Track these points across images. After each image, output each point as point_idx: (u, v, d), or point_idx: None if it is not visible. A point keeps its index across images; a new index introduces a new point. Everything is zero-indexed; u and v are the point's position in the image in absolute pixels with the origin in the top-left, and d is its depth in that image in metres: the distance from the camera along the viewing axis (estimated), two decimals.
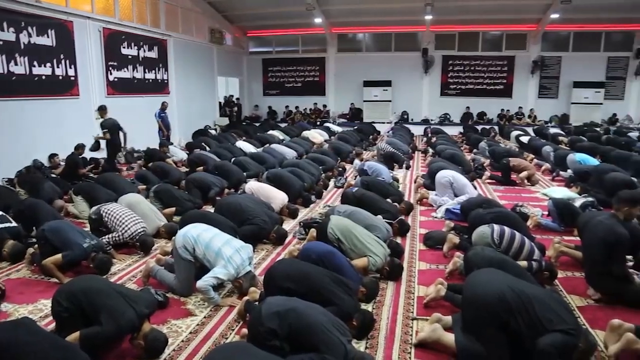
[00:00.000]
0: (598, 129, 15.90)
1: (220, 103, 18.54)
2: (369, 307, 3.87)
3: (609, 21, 17.26)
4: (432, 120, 18.89)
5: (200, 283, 3.83)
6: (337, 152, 11.12)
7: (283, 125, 17.46)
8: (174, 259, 4.17)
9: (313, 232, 4.92)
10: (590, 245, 4.11)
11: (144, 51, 12.92)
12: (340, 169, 9.65)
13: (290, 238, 5.62)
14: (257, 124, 18.21)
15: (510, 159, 9.16)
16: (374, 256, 4.36)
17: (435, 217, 6.51)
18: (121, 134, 9.45)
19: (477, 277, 3.28)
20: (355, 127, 16.06)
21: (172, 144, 12.16)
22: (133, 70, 12.49)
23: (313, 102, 20.00)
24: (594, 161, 9.13)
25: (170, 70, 14.14)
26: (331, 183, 8.69)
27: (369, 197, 6.16)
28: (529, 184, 8.73)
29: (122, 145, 9.66)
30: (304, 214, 6.74)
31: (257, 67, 20.80)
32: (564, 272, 4.63)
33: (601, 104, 18.11)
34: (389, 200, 6.52)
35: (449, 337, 3.16)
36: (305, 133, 13.94)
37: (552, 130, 15.12)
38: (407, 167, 10.34)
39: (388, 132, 15.96)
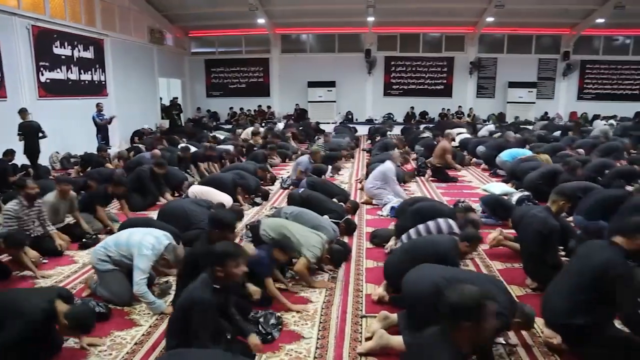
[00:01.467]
0: (530, 127, 16.72)
1: (163, 105, 17.97)
2: (318, 307, 3.87)
3: (538, 25, 18.34)
4: (376, 120, 19.21)
5: (135, 288, 3.70)
6: (283, 153, 11.07)
7: (227, 127, 17.18)
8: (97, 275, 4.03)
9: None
10: (526, 237, 4.34)
11: (79, 51, 12.32)
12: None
13: (238, 240, 5.53)
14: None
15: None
16: (310, 249, 4.28)
17: (382, 216, 6.60)
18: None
19: (411, 275, 3.42)
20: (300, 127, 16.06)
21: (110, 147, 11.67)
22: (67, 71, 11.88)
23: (257, 103, 19.82)
24: (524, 152, 9.58)
25: (108, 71, 13.58)
26: (277, 184, 8.64)
27: (315, 197, 6.16)
28: (469, 177, 9.04)
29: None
30: (249, 216, 6.66)
31: (199, 68, 20.37)
32: (504, 264, 4.84)
33: (534, 102, 19.12)
34: (335, 200, 6.55)
35: (397, 340, 3.17)
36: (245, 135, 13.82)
37: (490, 127, 15.69)
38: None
39: (330, 132, 16.07)
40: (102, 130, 11.69)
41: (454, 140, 11.62)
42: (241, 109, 19.59)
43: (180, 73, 19.84)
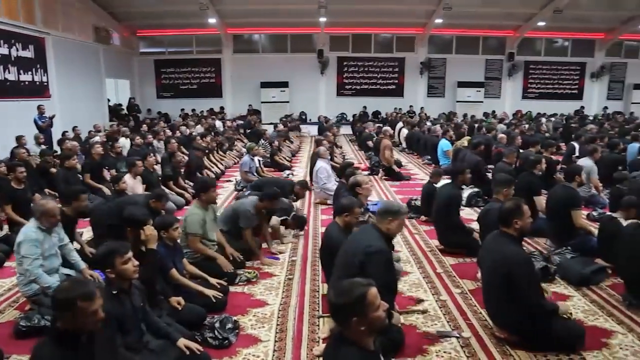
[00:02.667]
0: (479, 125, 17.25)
1: (111, 106, 17.34)
2: (274, 309, 3.83)
3: (485, 27, 19.00)
4: (329, 120, 19.27)
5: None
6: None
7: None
8: None
9: None
10: (486, 230, 4.44)
11: (17, 50, 11.65)
12: None
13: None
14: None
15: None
16: (245, 219, 4.68)
17: None
18: None
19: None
20: (249, 130, 15.90)
21: (56, 151, 11.15)
22: (4, 71, 11.23)
23: (210, 104, 19.45)
24: (447, 145, 10.10)
25: (50, 71, 12.93)
26: (231, 186, 8.52)
27: None
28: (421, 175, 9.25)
29: None
30: None
31: (149, 69, 19.78)
32: (456, 259, 4.95)
33: (482, 102, 19.76)
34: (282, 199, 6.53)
35: None
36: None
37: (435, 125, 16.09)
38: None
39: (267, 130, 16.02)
40: (45, 133, 11.14)
41: (392, 137, 11.85)
42: (193, 110, 19.16)
43: (128, 73, 19.23)
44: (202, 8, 15.31)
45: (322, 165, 7.48)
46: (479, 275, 4.37)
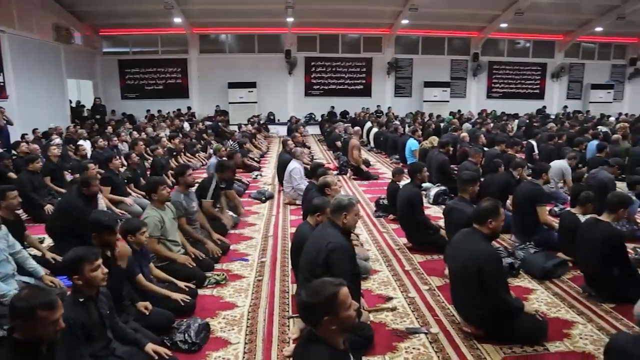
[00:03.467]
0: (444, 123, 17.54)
1: (73, 107, 16.85)
2: (244, 311, 3.81)
3: (450, 28, 19.35)
4: (290, 120, 19.23)
5: None
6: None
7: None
8: None
9: None
10: (450, 227, 4.59)
11: None
12: None
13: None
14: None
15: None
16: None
17: None
18: None
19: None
20: (211, 129, 15.77)
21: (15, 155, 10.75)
22: None
23: (176, 105, 19.14)
24: (414, 143, 10.25)
25: (7, 71, 12.44)
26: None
27: None
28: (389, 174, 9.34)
29: None
30: None
31: (112, 69, 19.27)
32: (424, 257, 5.02)
33: (448, 101, 20.11)
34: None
35: None
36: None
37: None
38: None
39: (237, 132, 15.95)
40: (3, 135, 10.76)
41: (361, 137, 11.99)
42: (159, 111, 18.79)
43: (91, 74, 18.70)
44: (167, 7, 15.02)
45: (296, 166, 7.46)
46: (446, 271, 4.46)
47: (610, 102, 21.21)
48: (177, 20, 16.71)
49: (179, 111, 18.85)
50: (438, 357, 3.20)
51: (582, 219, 4.48)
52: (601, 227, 3.96)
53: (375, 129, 14.07)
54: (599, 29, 19.06)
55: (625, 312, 3.75)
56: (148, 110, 18.54)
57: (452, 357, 3.19)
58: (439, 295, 4.11)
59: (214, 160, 8.49)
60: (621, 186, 6.45)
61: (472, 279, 3.24)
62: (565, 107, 21.30)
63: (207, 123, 16.38)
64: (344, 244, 3.30)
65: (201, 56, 19.35)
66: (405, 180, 6.33)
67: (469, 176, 4.95)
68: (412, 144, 10.21)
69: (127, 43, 19.36)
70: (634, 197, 5.78)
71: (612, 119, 17.19)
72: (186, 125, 15.62)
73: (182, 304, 3.67)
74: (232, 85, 18.86)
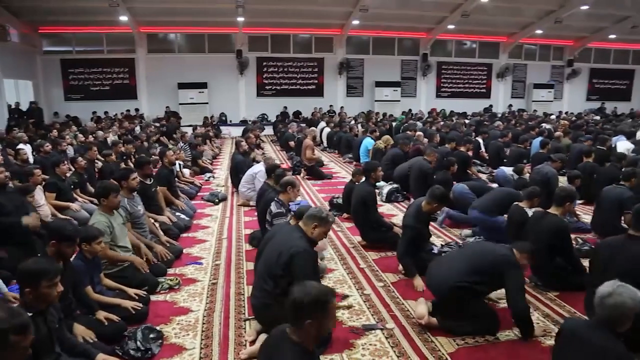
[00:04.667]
0: (394, 123, 17.87)
1: (13, 109, 15.97)
2: (199, 315, 3.73)
3: (400, 29, 19.72)
4: (250, 121, 19.11)
5: None
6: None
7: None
8: None
9: None
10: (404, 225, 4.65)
11: None
12: None
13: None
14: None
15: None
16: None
17: None
18: None
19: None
20: (164, 130, 15.41)
21: None
22: None
23: (124, 106, 18.53)
24: (370, 142, 10.33)
25: None
26: None
27: None
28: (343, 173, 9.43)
29: None
30: None
31: (54, 69, 18.37)
32: (378, 254, 5.09)
33: (399, 100, 20.50)
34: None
35: None
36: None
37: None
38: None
39: (187, 132, 15.68)
40: None
41: (315, 138, 12.06)
42: (106, 112, 18.15)
43: (31, 74, 17.75)
44: (112, 5, 14.51)
45: (262, 169, 7.36)
46: (400, 267, 4.55)
47: (551, 101, 22.37)
48: (123, 18, 16.19)
49: (128, 112, 18.29)
50: (394, 352, 3.24)
51: (530, 212, 4.66)
52: (549, 219, 4.15)
53: (328, 129, 14.16)
54: (539, 32, 20.01)
55: (568, 299, 3.98)
56: (94, 112, 17.87)
57: (407, 351, 3.25)
58: (393, 292, 4.17)
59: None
60: (562, 180, 6.78)
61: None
62: (510, 105, 22.23)
63: (156, 124, 15.94)
64: (308, 249, 3.30)
65: (149, 56, 18.81)
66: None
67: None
68: (368, 143, 10.31)
69: (70, 42, 18.54)
70: None
71: (553, 116, 18.10)
72: (137, 128, 15.17)
73: (134, 312, 3.56)
74: (182, 85, 18.48)
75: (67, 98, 18.55)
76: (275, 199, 4.75)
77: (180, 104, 18.62)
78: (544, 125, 13.74)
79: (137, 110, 18.68)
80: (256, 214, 6.65)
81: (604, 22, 19.94)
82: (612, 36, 21.12)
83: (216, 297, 4.10)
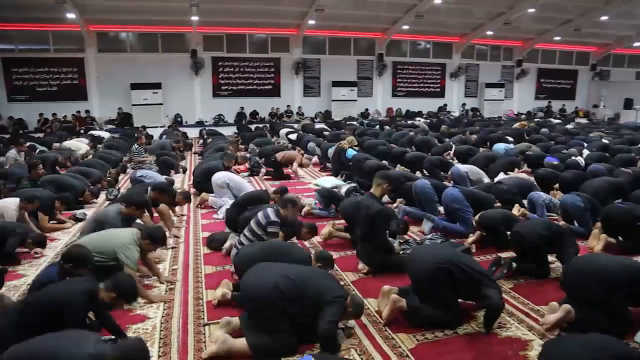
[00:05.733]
0: (354, 123, 18.05)
1: None
2: (157, 322, 3.61)
3: (356, 29, 19.90)
4: (206, 121, 18.79)
5: None
6: (107, 161, 10.10)
7: (37, 136, 15.05)
8: None
9: None
10: (359, 224, 4.66)
11: None
12: (112, 179, 8.83)
13: None
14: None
15: (276, 154, 9.69)
16: (124, 251, 4.08)
17: (217, 219, 6.46)
18: None
19: (250, 274, 3.42)
20: (123, 133, 14.98)
21: None
22: None
23: (74, 107, 17.80)
24: (351, 151, 10.27)
25: None
26: (102, 195, 7.91)
27: None
28: (301, 168, 9.40)
29: None
30: (71, 234, 5.98)
31: None
32: (338, 253, 5.07)
33: (356, 100, 20.65)
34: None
35: (241, 343, 3.14)
36: (66, 143, 12.38)
37: (318, 126, 16.55)
38: (184, 171, 10.10)
39: (162, 136, 15.32)
40: None
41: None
42: (54, 114, 17.42)
43: None
44: (58, 1, 13.91)
45: (227, 176, 7.27)
46: (360, 266, 4.57)
47: (502, 100, 23.16)
48: (71, 15, 15.55)
49: (78, 114, 17.63)
50: (355, 350, 3.25)
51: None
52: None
53: (294, 134, 14.16)
54: (489, 33, 20.69)
55: (519, 290, 4.16)
56: (41, 114, 17.12)
57: (368, 348, 3.26)
58: (354, 290, 4.17)
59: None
60: None
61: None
62: (464, 104, 22.90)
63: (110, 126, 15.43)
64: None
65: (100, 55, 18.14)
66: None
67: (389, 174, 5.01)
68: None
69: (12, 40, 17.55)
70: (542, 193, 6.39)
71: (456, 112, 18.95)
72: (105, 134, 14.63)
73: (88, 322, 3.40)
74: (135, 86, 17.93)
75: (11, 99, 17.59)
76: (275, 208, 4.63)
77: (134, 105, 18.07)
78: None
79: (87, 112, 18.02)
80: (213, 216, 6.60)
81: (550, 25, 20.83)
82: (557, 38, 22.09)
83: (174, 303, 3.98)
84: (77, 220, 6.39)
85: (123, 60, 18.17)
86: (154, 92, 18.14)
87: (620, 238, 5.06)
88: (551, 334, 3.33)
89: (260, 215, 4.53)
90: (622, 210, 5.08)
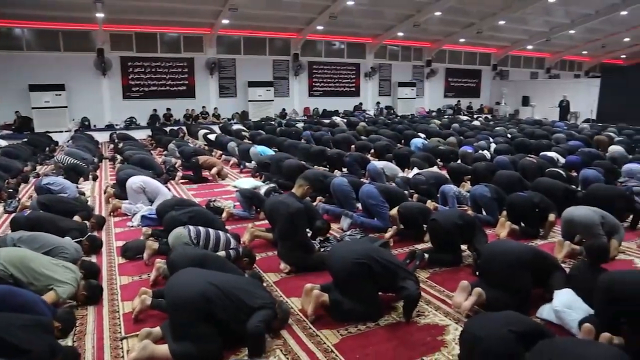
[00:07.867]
0: (273, 123, 18.01)
1: None
2: (68, 341, 3.37)
3: (271, 29, 19.85)
4: (117, 125, 17.86)
5: None
6: (5, 170, 9.27)
7: None
8: None
9: None
10: (278, 223, 4.66)
11: None
12: (11, 190, 8.10)
13: None
14: None
15: (198, 157, 9.48)
16: (62, 285, 3.78)
17: (132, 226, 6.16)
18: None
19: (176, 279, 3.32)
20: (26, 140, 13.83)
21: None
22: None
23: None
24: (270, 151, 10.31)
25: None
26: (0, 208, 7.26)
27: (46, 218, 5.30)
28: (219, 178, 9.19)
29: None
30: None
31: None
32: (260, 254, 5.04)
33: (272, 100, 20.59)
34: (76, 217, 5.84)
35: (162, 349, 3.05)
36: None
37: (235, 127, 16.32)
38: (94, 178, 9.51)
39: (67, 141, 14.36)
40: None
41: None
42: None
43: None
44: None
45: (143, 180, 6.93)
46: (281, 266, 4.56)
47: (414, 98, 24.27)
48: None
49: None
50: (281, 350, 3.24)
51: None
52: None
53: (213, 134, 13.87)
54: (400, 34, 21.56)
55: (435, 278, 4.40)
56: None
57: (294, 348, 3.26)
58: (276, 291, 4.16)
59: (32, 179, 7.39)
60: None
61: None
62: (378, 103, 23.69)
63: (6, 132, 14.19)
64: None
65: None
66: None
67: (308, 176, 5.10)
68: (261, 149, 10.25)
69: None
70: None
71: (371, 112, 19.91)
72: (1, 141, 13.35)
73: None
74: (34, 87, 16.55)
75: None
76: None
77: (34, 108, 16.69)
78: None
79: None
80: (128, 224, 6.28)
81: (455, 27, 22.14)
82: (462, 40, 23.57)
83: (87, 318, 3.73)
84: None
85: (19, 59, 16.69)
86: (56, 94, 16.87)
87: (523, 224, 5.51)
88: (465, 317, 3.56)
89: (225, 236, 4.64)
90: (523, 199, 5.57)
